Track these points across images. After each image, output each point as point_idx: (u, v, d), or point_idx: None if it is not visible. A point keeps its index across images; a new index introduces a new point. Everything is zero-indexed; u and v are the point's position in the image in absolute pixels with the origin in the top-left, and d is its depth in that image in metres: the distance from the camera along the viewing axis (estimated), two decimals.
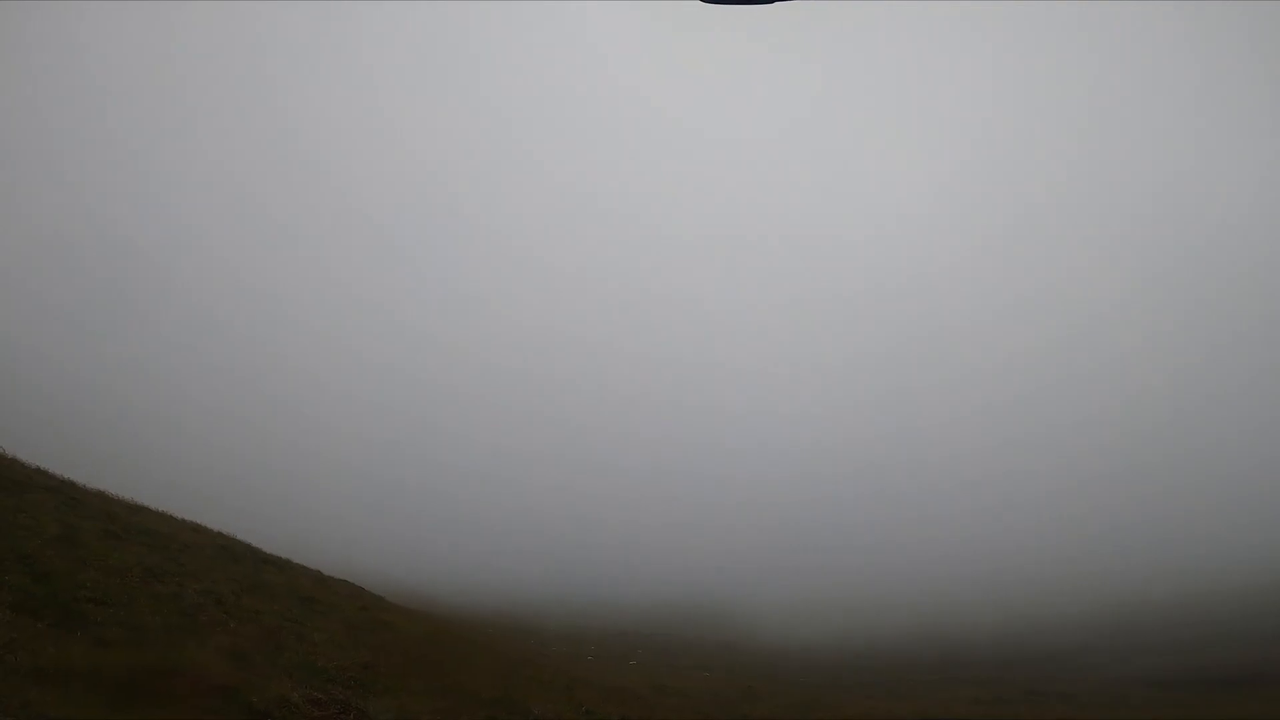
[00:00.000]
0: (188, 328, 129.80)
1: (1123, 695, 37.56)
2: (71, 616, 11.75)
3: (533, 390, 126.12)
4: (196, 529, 19.31)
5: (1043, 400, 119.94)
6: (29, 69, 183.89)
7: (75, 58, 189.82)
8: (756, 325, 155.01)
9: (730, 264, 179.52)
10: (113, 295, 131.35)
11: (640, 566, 68.07)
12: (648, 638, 48.60)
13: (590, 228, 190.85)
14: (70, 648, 10.74)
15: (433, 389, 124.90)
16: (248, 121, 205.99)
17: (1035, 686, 39.91)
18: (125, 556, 15.57)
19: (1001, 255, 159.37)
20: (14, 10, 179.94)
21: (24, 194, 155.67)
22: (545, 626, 45.03)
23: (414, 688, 17.53)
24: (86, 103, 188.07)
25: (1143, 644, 50.05)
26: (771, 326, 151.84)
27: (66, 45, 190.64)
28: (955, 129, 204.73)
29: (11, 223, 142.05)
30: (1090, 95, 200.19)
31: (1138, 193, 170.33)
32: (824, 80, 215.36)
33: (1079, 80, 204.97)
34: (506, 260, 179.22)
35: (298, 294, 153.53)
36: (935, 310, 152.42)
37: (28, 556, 13.11)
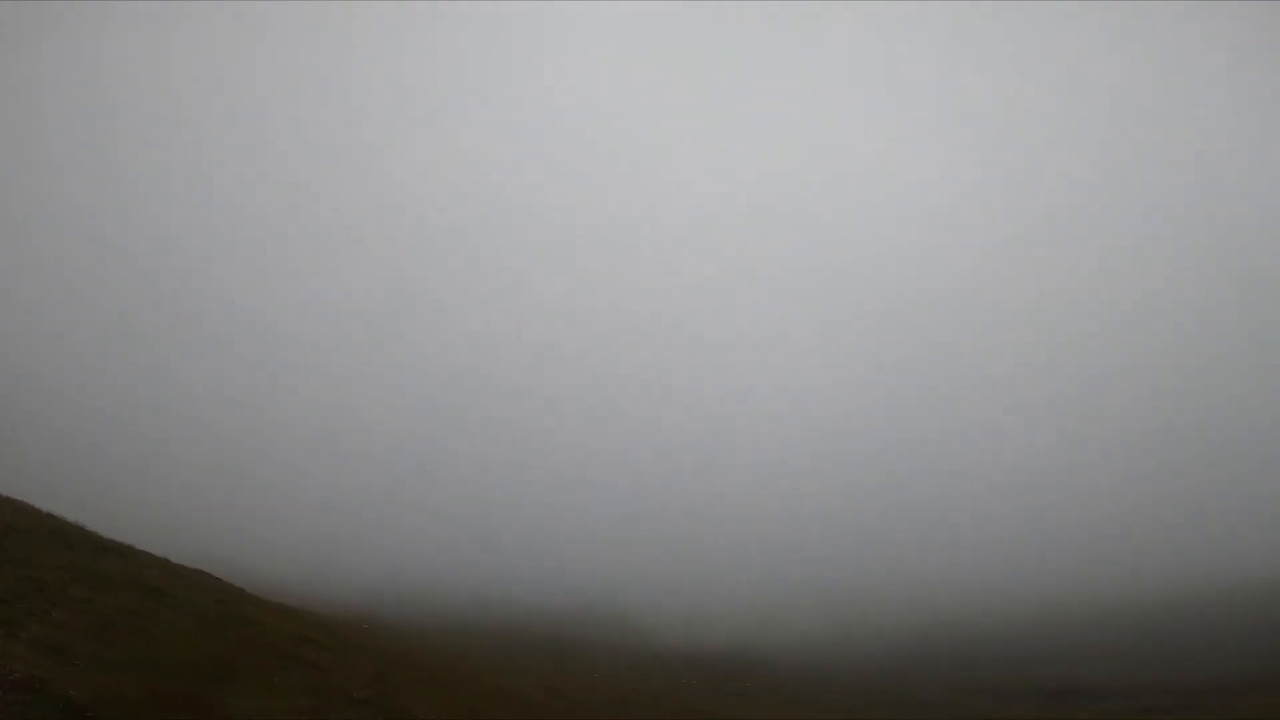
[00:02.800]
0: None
1: (966, 705, 38.31)
2: None
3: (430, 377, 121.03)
4: (23, 509, 17.16)
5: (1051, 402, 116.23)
6: (93, 80, 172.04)
7: (140, 70, 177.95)
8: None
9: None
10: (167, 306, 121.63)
11: (535, 563, 65.99)
12: (541, 637, 47.11)
13: (597, 223, 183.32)
14: None
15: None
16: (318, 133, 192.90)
17: (927, 698, 40.38)
18: None
19: (1013, 256, 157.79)
20: (78, 21, 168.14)
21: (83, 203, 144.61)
22: (430, 624, 43.09)
23: (277, 685, 16.12)
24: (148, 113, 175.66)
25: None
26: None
27: (132, 57, 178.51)
28: (973, 130, 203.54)
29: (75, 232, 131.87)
30: (1109, 92, 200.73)
31: (1157, 195, 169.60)
32: (834, 78, 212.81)
33: (1097, 77, 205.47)
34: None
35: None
36: (898, 283, 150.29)
37: None
